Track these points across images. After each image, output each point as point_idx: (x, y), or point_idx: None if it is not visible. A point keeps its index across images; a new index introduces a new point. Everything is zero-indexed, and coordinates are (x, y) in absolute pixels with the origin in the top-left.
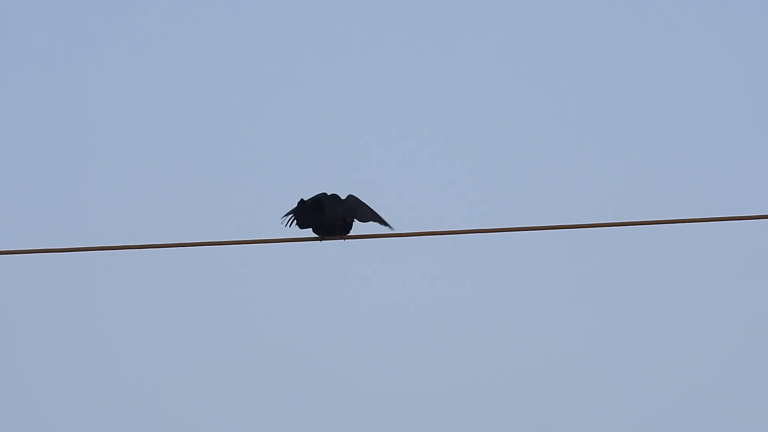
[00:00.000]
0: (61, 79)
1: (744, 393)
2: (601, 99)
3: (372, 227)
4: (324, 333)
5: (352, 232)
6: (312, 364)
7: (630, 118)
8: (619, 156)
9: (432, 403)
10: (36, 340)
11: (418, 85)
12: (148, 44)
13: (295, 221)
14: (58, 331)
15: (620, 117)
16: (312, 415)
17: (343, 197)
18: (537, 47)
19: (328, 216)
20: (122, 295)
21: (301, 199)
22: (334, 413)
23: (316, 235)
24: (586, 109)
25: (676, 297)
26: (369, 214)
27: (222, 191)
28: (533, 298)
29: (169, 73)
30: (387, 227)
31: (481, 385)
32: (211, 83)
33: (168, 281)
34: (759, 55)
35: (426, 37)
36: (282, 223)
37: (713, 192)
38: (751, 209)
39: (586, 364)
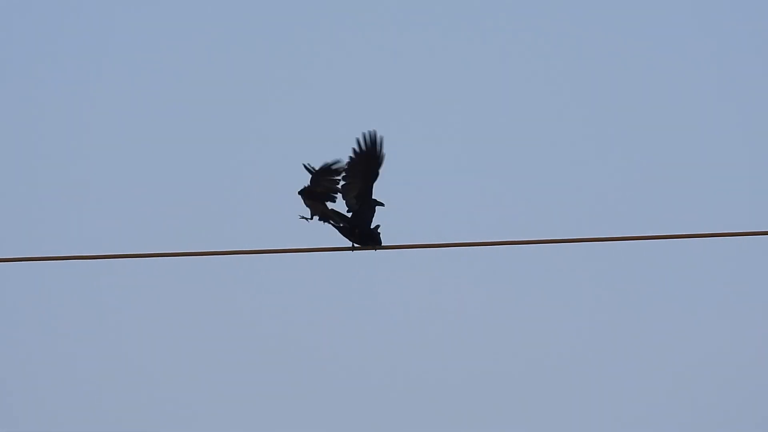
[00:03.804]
0: (61, 81)
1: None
2: (621, 109)
3: (402, 237)
4: (357, 340)
5: (383, 242)
6: (344, 372)
7: (653, 129)
8: (638, 166)
9: (454, 406)
10: (40, 344)
11: (439, 96)
12: (147, 46)
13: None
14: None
15: (643, 127)
16: (335, 418)
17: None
18: (553, 52)
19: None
20: (157, 303)
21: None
22: (351, 415)
23: (349, 244)
24: (609, 120)
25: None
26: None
27: (256, 201)
28: (561, 307)
29: (173, 75)
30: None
31: (504, 389)
32: (226, 87)
33: (202, 289)
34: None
35: (441, 38)
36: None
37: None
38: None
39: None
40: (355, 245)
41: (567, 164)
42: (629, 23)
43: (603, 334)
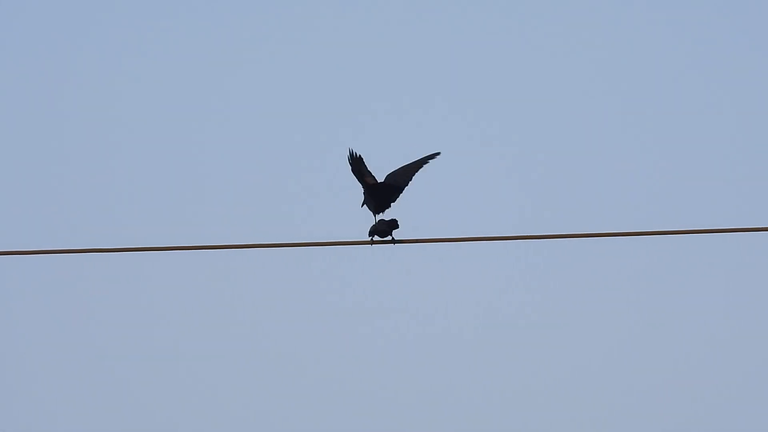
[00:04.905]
0: (61, 79)
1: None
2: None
3: (419, 231)
4: (375, 334)
5: (401, 236)
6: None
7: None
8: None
9: (462, 404)
10: (39, 341)
11: (456, 91)
12: (147, 45)
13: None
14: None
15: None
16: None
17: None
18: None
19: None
20: (175, 298)
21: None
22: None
23: (368, 239)
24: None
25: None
26: (407, 172)
27: (276, 196)
28: (578, 302)
29: (177, 72)
30: (430, 158)
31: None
32: (233, 85)
33: (215, 284)
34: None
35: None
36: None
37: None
38: None
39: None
40: (374, 239)
41: (586, 160)
42: (652, 15)
43: (623, 330)
